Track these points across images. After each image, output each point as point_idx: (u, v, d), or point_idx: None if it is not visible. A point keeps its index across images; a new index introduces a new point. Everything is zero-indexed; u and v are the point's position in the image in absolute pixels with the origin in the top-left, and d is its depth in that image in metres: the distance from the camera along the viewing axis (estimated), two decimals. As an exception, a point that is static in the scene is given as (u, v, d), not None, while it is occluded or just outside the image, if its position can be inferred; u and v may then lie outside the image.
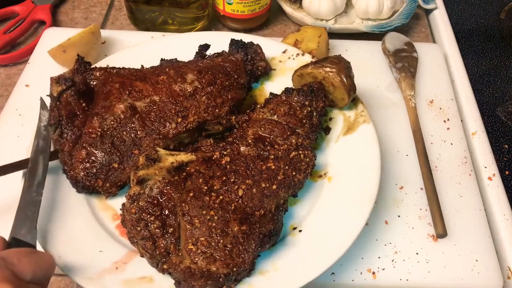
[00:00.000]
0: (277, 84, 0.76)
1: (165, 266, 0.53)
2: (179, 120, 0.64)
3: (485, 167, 0.72)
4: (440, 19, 0.94)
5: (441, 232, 0.62)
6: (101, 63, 0.75)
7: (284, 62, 0.77)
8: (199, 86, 0.67)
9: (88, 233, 0.59)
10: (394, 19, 0.91)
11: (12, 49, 0.90)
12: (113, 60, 0.75)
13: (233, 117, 0.65)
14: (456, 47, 0.88)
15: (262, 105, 0.67)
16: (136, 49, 0.78)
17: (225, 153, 0.61)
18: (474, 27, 0.99)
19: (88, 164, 0.61)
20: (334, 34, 0.90)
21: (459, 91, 0.82)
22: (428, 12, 0.99)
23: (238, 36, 0.77)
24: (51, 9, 0.94)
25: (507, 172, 0.74)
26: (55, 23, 0.95)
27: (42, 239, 0.56)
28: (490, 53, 0.94)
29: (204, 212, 0.55)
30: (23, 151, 0.65)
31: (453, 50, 0.88)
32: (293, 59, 0.77)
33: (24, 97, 0.77)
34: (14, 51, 0.88)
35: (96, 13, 0.97)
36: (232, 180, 0.58)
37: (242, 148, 0.61)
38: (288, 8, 0.94)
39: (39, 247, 0.56)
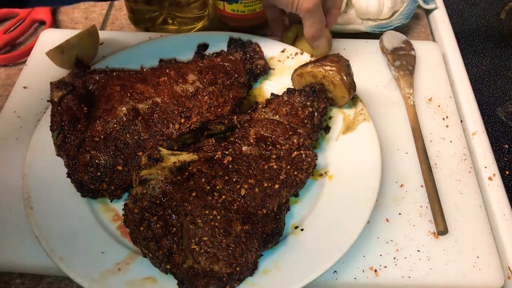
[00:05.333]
0: (276, 83, 0.76)
1: (168, 266, 0.53)
2: (182, 120, 0.64)
3: (485, 167, 0.71)
4: (440, 19, 0.94)
5: (442, 229, 0.62)
6: (100, 65, 0.74)
7: (283, 62, 0.77)
8: (201, 86, 0.67)
9: (90, 234, 0.58)
10: (394, 19, 0.91)
11: (12, 49, 0.90)
12: (112, 61, 0.75)
13: (235, 116, 0.65)
14: (456, 47, 0.88)
15: (264, 105, 0.67)
16: (135, 50, 0.77)
17: (227, 152, 0.61)
18: (474, 27, 0.98)
19: (92, 168, 0.61)
20: (333, 34, 0.90)
21: (459, 91, 0.82)
22: (428, 12, 0.98)
23: (236, 35, 0.77)
24: (51, 9, 0.94)
25: (507, 172, 0.74)
26: (55, 23, 0.94)
27: (44, 240, 0.56)
28: (490, 53, 0.94)
29: (206, 211, 0.55)
30: (22, 153, 0.65)
31: (453, 50, 0.88)
32: (292, 58, 0.77)
33: (23, 99, 0.77)
34: (14, 51, 0.87)
35: (96, 13, 0.97)
36: (234, 179, 0.58)
37: (244, 148, 0.61)
38: (287, 8, 0.94)
39: (41, 249, 0.56)
